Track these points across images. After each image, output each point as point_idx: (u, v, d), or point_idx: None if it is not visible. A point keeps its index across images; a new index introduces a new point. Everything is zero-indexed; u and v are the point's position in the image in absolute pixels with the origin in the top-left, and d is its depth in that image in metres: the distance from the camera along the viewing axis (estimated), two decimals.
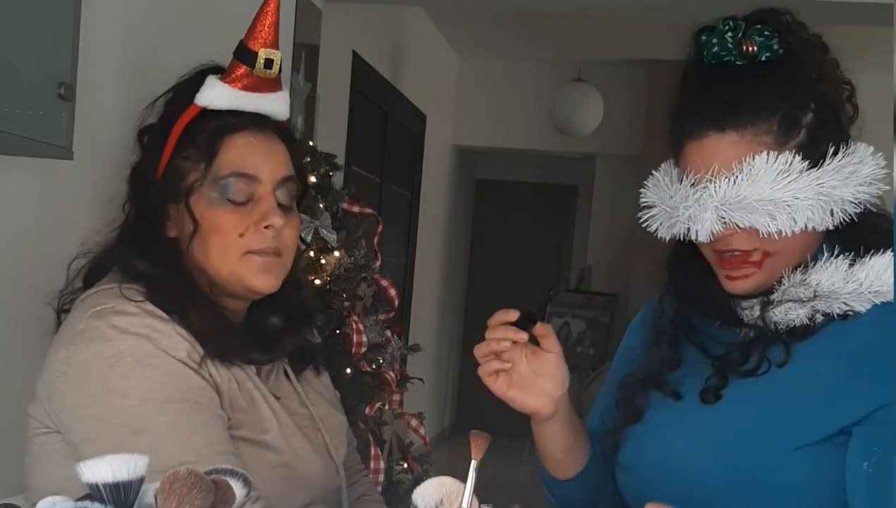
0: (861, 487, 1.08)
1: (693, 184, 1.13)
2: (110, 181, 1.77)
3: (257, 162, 1.25)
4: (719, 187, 1.10)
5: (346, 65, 4.38)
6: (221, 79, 1.26)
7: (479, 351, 1.19)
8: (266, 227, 1.24)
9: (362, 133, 4.59)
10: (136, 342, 1.14)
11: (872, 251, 1.13)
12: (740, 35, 1.12)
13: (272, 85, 1.30)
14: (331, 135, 3.98)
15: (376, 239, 3.20)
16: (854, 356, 1.11)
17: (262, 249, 1.24)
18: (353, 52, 4.43)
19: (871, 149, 1.15)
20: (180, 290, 1.23)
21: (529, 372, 1.20)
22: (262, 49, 1.27)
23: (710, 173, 1.11)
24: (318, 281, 2.76)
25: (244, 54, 1.27)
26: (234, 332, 1.26)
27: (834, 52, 1.17)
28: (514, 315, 1.17)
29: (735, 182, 1.10)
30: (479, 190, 7.88)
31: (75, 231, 1.69)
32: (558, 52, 6.16)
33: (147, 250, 1.25)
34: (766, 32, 1.12)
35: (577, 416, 1.29)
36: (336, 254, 2.84)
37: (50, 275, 1.58)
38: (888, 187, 1.14)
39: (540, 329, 1.19)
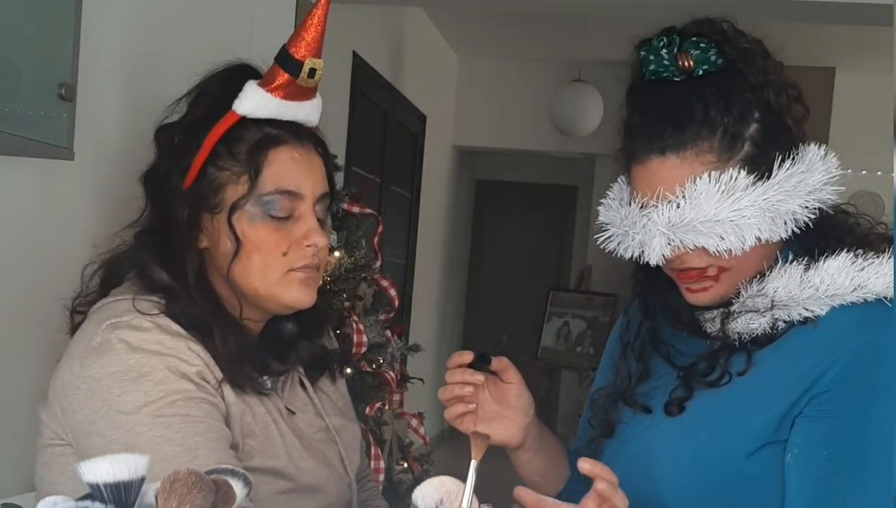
0: (787, 479, 1.09)
1: (641, 207, 1.13)
2: (111, 182, 1.77)
3: (300, 178, 1.23)
4: (663, 212, 1.10)
5: (347, 65, 4.38)
6: (261, 85, 1.22)
7: (443, 395, 1.20)
8: (308, 246, 1.23)
9: (362, 133, 4.59)
10: (144, 357, 1.13)
11: (826, 254, 1.12)
12: (676, 50, 1.11)
13: (309, 93, 1.27)
14: (331, 136, 3.95)
15: (376, 239, 3.20)
16: (806, 356, 1.11)
17: (303, 266, 1.23)
18: (354, 52, 4.44)
19: (822, 152, 1.13)
20: (204, 306, 1.20)
21: (494, 406, 1.21)
22: (309, 58, 1.22)
23: (655, 196, 1.11)
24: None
25: (288, 62, 1.22)
26: (253, 355, 1.24)
27: (777, 53, 1.15)
28: (468, 357, 1.18)
29: (678, 206, 1.09)
30: (479, 190, 7.88)
31: (76, 231, 1.70)
32: (558, 52, 6.16)
33: (171, 260, 1.22)
34: (703, 44, 1.10)
35: (551, 439, 1.30)
36: (336, 254, 2.84)
37: (50, 276, 1.58)
38: (842, 188, 1.13)
39: (497, 364, 1.20)
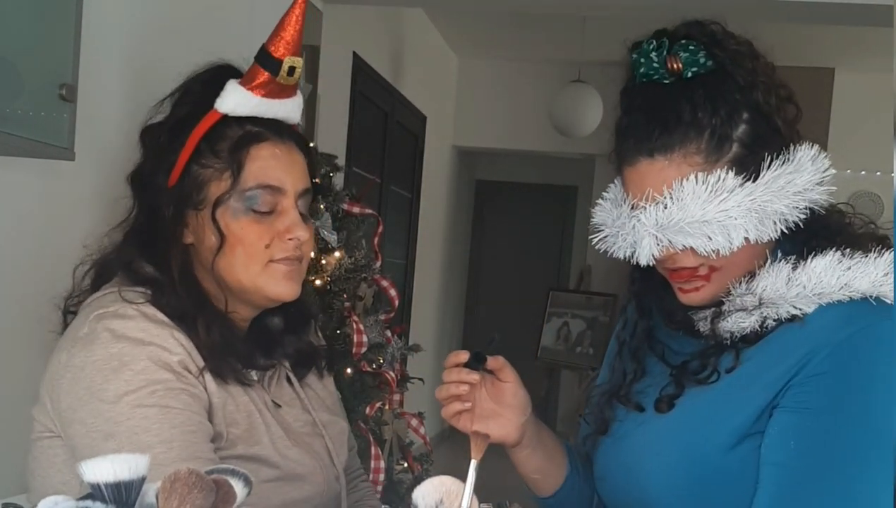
0: (759, 468, 1.10)
1: (632, 208, 1.15)
2: (112, 182, 1.78)
3: (282, 173, 1.25)
4: (651, 213, 1.11)
5: (347, 66, 4.38)
6: (242, 84, 1.24)
7: (440, 394, 1.21)
8: (290, 239, 1.25)
9: (363, 133, 4.59)
10: (127, 345, 1.15)
11: (814, 253, 1.13)
12: (665, 52, 1.12)
13: (290, 91, 1.29)
14: (331, 136, 3.98)
15: (376, 239, 3.21)
16: (791, 352, 1.11)
17: (285, 258, 1.25)
18: (354, 52, 4.44)
19: (813, 152, 1.13)
20: (189, 298, 1.22)
21: (490, 405, 1.23)
22: (288, 57, 1.24)
23: (644, 198, 1.12)
24: (318, 282, 2.77)
25: (267, 61, 1.24)
26: (237, 347, 1.25)
27: (768, 54, 1.15)
28: (464, 356, 1.20)
29: (666, 207, 1.10)
30: (479, 190, 7.88)
31: (77, 231, 1.70)
32: (558, 53, 6.16)
33: (157, 256, 1.24)
34: (692, 47, 1.11)
35: (549, 436, 1.31)
36: (336, 254, 2.84)
37: (51, 276, 1.59)
38: (834, 188, 1.13)
39: (493, 363, 1.22)
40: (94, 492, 0.73)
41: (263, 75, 1.24)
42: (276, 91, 1.25)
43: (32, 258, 1.66)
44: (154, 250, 1.25)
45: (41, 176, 1.66)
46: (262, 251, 1.23)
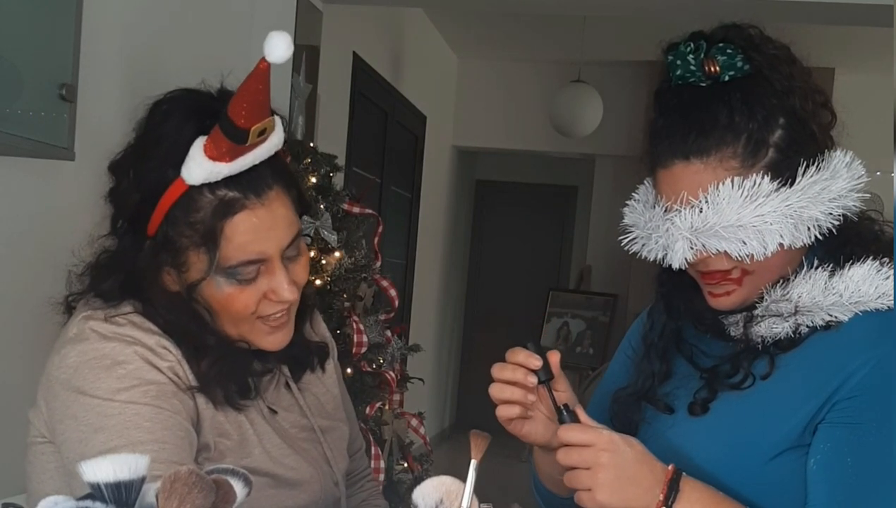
0: (810, 484, 1.10)
1: (665, 211, 1.14)
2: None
3: (263, 241, 1.17)
4: (686, 217, 1.11)
5: (347, 66, 4.38)
6: (208, 154, 1.11)
7: (501, 394, 1.16)
8: (276, 301, 1.21)
9: (362, 134, 4.60)
10: (119, 346, 1.15)
11: (852, 261, 1.13)
12: (703, 55, 1.11)
13: (263, 140, 1.17)
14: (331, 136, 3.98)
15: (376, 239, 3.21)
16: (829, 361, 1.11)
17: (273, 314, 1.22)
18: (354, 52, 4.44)
19: (848, 159, 1.14)
20: (181, 322, 1.19)
21: (542, 408, 1.20)
22: (255, 125, 1.11)
23: (679, 201, 1.12)
24: (318, 282, 2.77)
25: (232, 131, 1.11)
26: (233, 377, 1.22)
27: (805, 59, 1.15)
28: (536, 362, 1.14)
29: (701, 211, 1.10)
30: (479, 190, 7.89)
31: (77, 231, 1.70)
32: (558, 53, 6.16)
33: (141, 294, 1.20)
34: (730, 50, 1.10)
35: None
36: (336, 254, 2.84)
37: (51, 276, 1.58)
38: (867, 196, 1.13)
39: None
40: (94, 492, 0.73)
41: (230, 145, 1.12)
42: (248, 147, 1.14)
43: (32, 258, 1.66)
44: (141, 297, 1.20)
45: (41, 175, 1.66)
46: (249, 315, 1.20)
